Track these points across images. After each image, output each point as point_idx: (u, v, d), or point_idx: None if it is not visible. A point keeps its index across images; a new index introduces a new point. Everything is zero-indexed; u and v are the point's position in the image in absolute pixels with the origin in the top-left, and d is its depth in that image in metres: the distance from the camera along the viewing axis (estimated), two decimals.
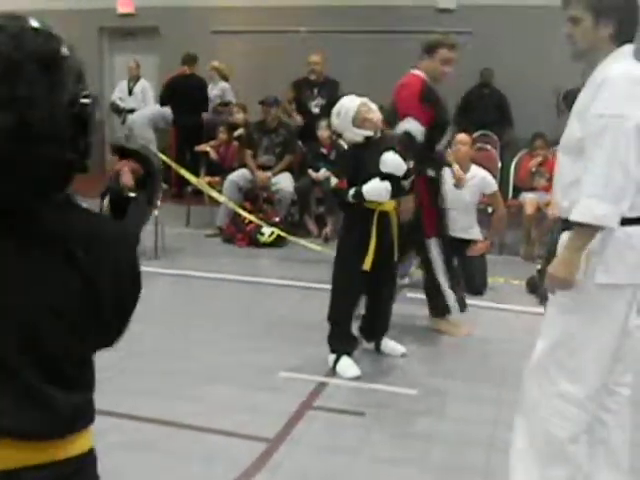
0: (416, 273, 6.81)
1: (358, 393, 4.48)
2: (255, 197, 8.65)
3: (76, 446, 1.55)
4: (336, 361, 4.75)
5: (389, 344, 5.14)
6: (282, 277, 6.93)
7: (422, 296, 5.94)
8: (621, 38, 2.82)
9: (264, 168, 8.78)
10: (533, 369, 2.99)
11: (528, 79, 10.64)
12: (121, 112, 11.43)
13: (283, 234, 8.03)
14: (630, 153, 2.66)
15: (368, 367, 4.82)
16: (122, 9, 13.00)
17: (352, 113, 4.74)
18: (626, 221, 2.71)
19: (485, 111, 10.70)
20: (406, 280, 6.67)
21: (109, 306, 1.55)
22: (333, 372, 4.71)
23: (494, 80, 10.93)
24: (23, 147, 1.39)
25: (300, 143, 9.34)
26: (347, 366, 4.73)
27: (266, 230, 8.15)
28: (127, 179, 5.89)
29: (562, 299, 2.84)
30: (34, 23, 1.45)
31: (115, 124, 12.16)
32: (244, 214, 8.13)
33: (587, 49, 2.87)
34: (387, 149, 4.66)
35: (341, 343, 4.81)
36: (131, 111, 11.43)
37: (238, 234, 8.30)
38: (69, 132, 1.45)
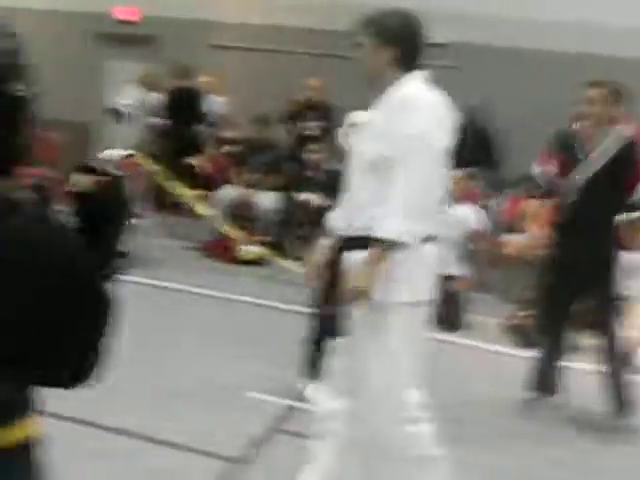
0: None
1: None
2: (240, 215, 8.62)
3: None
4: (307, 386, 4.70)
5: None
6: (260, 296, 6.88)
7: None
8: (405, 63, 2.99)
9: (251, 186, 8.77)
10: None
11: (518, 119, 10.71)
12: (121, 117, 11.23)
13: (265, 253, 7.99)
14: (434, 172, 2.80)
15: None
16: (121, 16, 13.01)
17: None
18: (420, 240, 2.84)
19: (469, 149, 10.71)
20: None
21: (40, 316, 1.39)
22: (302, 396, 4.66)
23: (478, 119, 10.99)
24: None
25: (288, 164, 9.34)
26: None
27: (247, 248, 8.12)
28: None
29: (367, 331, 2.92)
30: None
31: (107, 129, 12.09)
32: (228, 230, 8.10)
33: (372, 71, 3.06)
34: None
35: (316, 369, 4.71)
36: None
37: (219, 250, 8.26)
38: None
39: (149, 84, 11.54)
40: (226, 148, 9.45)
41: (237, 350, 5.42)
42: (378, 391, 2.95)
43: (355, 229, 2.96)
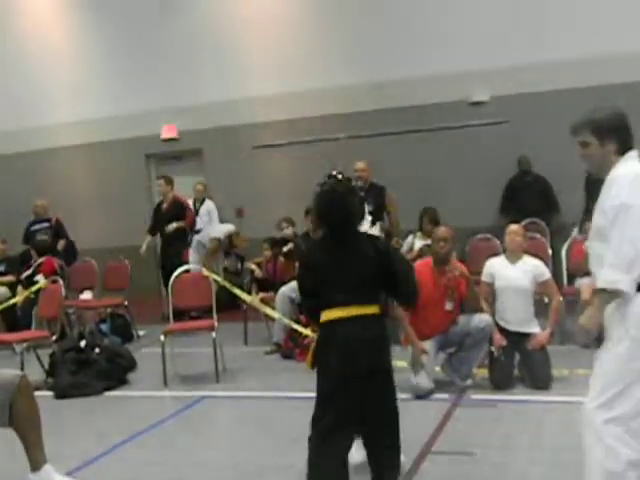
0: (479, 373, 6.75)
1: None
2: None
3: None
4: None
5: None
6: None
7: (487, 397, 5.88)
8: (624, 148, 3.58)
9: None
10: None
11: (568, 162, 10.67)
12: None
13: None
14: (637, 231, 3.37)
15: (439, 474, 4.74)
16: (165, 134, 13.52)
17: None
18: None
19: (529, 198, 10.75)
20: (469, 382, 6.60)
21: None
22: None
23: (533, 166, 11.01)
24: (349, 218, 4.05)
25: None
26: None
27: None
28: None
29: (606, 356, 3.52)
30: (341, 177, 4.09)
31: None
32: (299, 328, 8.13)
33: (600, 163, 3.64)
34: None
35: None
36: (197, 232, 11.69)
37: (296, 349, 8.24)
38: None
39: (203, 197, 11.95)
40: (287, 247, 9.45)
41: None
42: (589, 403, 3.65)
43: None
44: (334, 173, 4.09)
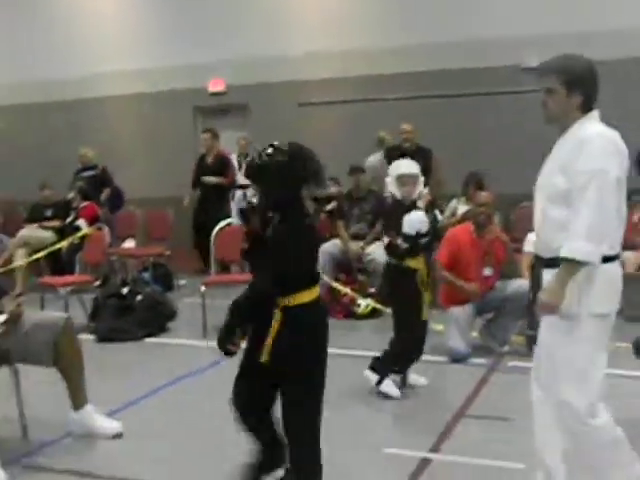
0: (517, 340, 6.74)
1: (463, 469, 4.42)
2: (349, 268, 8.67)
3: None
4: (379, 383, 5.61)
5: (412, 376, 5.89)
6: (380, 349, 6.90)
7: (525, 364, 5.86)
8: (588, 105, 3.41)
9: (357, 237, 8.81)
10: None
11: (623, 130, 10.47)
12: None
13: (378, 306, 8.00)
14: (611, 202, 3.23)
15: (473, 438, 4.78)
16: (213, 88, 13.52)
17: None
18: (607, 259, 3.29)
19: None
20: (506, 348, 6.59)
21: None
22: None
23: None
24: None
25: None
26: (390, 386, 5.63)
27: (362, 302, 8.15)
28: None
29: (563, 335, 3.38)
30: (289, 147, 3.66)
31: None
32: (339, 287, 8.15)
33: (560, 115, 3.44)
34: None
35: (390, 368, 5.70)
36: (241, 187, 11.71)
37: (335, 306, 8.29)
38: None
39: (247, 151, 11.95)
40: (331, 206, 9.43)
41: (364, 406, 5.49)
42: (566, 395, 3.41)
43: (548, 251, 3.42)
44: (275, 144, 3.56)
